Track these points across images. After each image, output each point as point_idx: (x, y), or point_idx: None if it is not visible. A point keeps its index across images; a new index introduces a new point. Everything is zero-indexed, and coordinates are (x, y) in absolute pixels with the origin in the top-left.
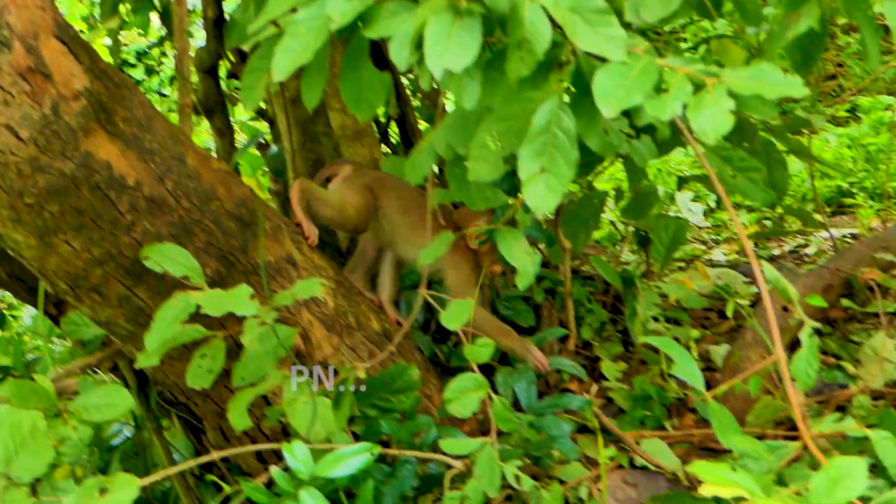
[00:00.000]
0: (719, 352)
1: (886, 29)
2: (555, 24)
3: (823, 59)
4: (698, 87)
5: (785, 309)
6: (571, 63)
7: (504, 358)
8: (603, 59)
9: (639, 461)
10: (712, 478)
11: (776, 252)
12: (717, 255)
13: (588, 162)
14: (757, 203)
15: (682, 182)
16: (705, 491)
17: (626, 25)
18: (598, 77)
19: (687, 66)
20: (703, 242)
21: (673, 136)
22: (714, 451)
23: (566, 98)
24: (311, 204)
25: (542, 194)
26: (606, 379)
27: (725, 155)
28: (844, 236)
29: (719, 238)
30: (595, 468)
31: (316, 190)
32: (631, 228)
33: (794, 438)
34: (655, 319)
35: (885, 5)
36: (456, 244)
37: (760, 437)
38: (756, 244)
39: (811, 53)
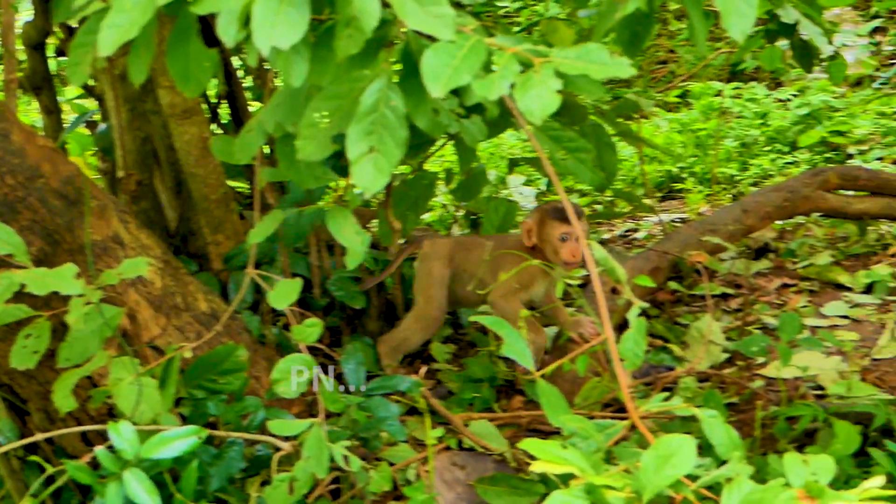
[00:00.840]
0: (549, 333)
1: (716, 15)
2: (384, 2)
3: (655, 44)
4: (527, 66)
5: (614, 290)
6: (401, 42)
7: (336, 339)
8: (432, 38)
9: (467, 443)
10: (542, 455)
11: (606, 236)
12: None
13: (419, 143)
14: (586, 185)
15: (513, 165)
16: (536, 468)
17: (458, 5)
18: (427, 56)
19: (516, 46)
20: None
21: (504, 117)
22: (542, 433)
23: (395, 77)
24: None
25: (370, 174)
26: (435, 361)
27: (555, 135)
28: (674, 220)
29: None
30: (423, 450)
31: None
32: (462, 211)
33: (622, 419)
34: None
35: None
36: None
37: (591, 418)
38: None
39: (639, 34)
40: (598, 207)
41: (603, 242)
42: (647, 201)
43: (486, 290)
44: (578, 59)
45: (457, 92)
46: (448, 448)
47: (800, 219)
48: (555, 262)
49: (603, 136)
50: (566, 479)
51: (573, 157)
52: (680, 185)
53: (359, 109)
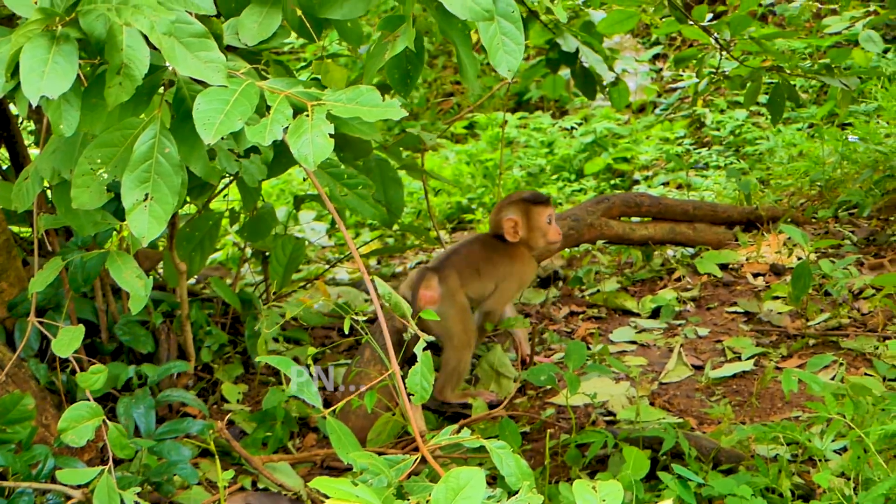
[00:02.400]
0: (340, 371)
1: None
2: (154, 48)
3: (441, 76)
4: (300, 110)
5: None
6: (172, 88)
7: (127, 384)
8: (205, 84)
9: (262, 483)
10: (334, 493)
11: (399, 269)
12: (341, 273)
13: (201, 184)
14: (368, 219)
15: (299, 201)
16: None
17: (231, 49)
18: (198, 102)
19: (288, 89)
20: (328, 261)
21: (286, 155)
22: (337, 470)
23: (168, 124)
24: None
25: (146, 222)
26: (228, 401)
27: (335, 173)
28: None
29: (342, 257)
30: (217, 492)
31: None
32: (251, 249)
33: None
34: (276, 340)
35: (479, 27)
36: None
37: (381, 454)
38: (378, 261)
39: (410, 73)
40: (390, 241)
41: (395, 276)
42: (436, 234)
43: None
44: (350, 102)
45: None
46: (242, 489)
47: (586, 246)
48: (540, 247)
49: (388, 170)
50: None
51: (353, 194)
52: (470, 216)
53: (133, 157)
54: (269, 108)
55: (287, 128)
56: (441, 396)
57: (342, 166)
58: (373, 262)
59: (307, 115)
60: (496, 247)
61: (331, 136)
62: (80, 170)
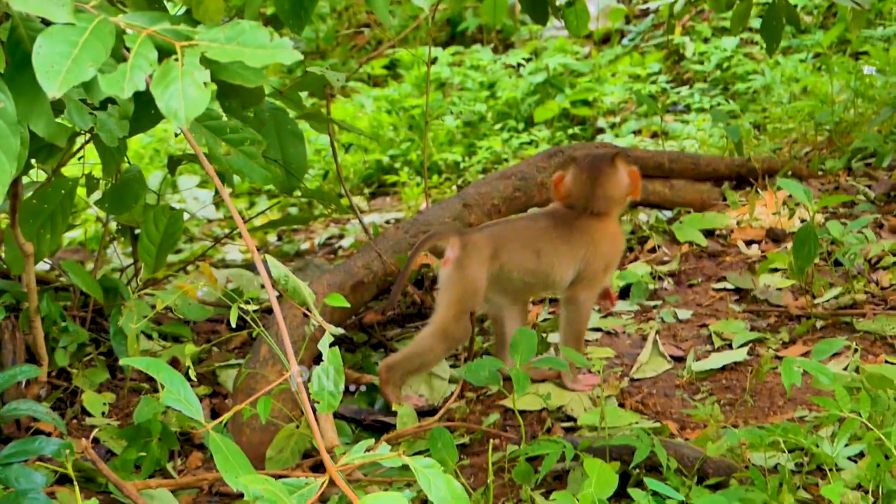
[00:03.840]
0: (230, 373)
1: None
2: None
3: (353, 4)
4: (168, 52)
5: (306, 315)
6: (6, 25)
7: None
8: (46, 22)
9: None
10: None
11: (305, 245)
12: (233, 253)
13: (51, 143)
14: (258, 182)
15: (175, 164)
16: None
17: None
18: (38, 45)
19: (152, 25)
20: (215, 238)
21: (154, 107)
22: (229, 497)
23: (2, 71)
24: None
25: None
26: (90, 414)
27: (214, 126)
28: (387, 222)
29: (234, 232)
30: None
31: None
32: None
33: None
34: (150, 337)
35: None
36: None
37: (281, 476)
38: (279, 237)
39: (304, 4)
40: (293, 211)
41: (300, 255)
42: (349, 201)
43: (565, 284)
44: (230, 42)
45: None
46: None
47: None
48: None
49: (286, 122)
50: None
51: (239, 152)
52: (393, 178)
53: None
54: (128, 50)
55: (151, 75)
56: (383, 383)
57: (224, 117)
58: (272, 237)
59: (176, 60)
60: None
61: (206, 85)
62: None
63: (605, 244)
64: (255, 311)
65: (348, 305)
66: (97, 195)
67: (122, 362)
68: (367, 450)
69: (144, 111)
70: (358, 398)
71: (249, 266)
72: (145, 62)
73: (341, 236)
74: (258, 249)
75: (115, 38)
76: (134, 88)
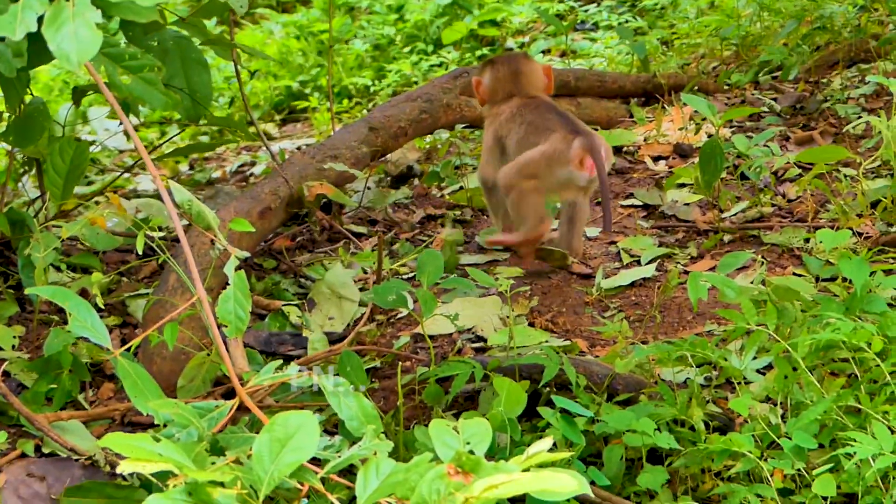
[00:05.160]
0: (139, 303)
1: None
2: None
3: None
4: None
5: (213, 242)
6: None
7: None
8: None
9: (49, 446)
10: (132, 452)
11: (216, 174)
12: (146, 183)
13: None
14: (160, 109)
15: (80, 94)
16: (125, 468)
17: None
18: None
19: None
20: (126, 169)
21: None
22: (142, 426)
23: None
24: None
25: None
26: (0, 348)
27: (113, 53)
28: (299, 148)
29: (142, 160)
30: None
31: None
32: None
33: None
34: (59, 269)
35: None
36: None
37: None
38: (191, 166)
39: None
40: (204, 139)
41: (212, 182)
42: (255, 129)
43: None
44: None
45: None
46: (23, 455)
47: (444, 133)
48: None
49: (189, 49)
50: (165, 478)
51: (138, 79)
52: (304, 104)
53: None
54: None
55: (42, 16)
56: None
57: (123, 44)
58: (184, 165)
59: (67, 0)
60: None
61: (98, 25)
62: None
63: None
64: (163, 240)
65: (252, 230)
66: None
67: (27, 291)
68: (276, 371)
69: (42, 45)
70: (269, 323)
71: (160, 196)
72: (36, 2)
73: (253, 164)
74: (170, 179)
75: None
76: (26, 30)
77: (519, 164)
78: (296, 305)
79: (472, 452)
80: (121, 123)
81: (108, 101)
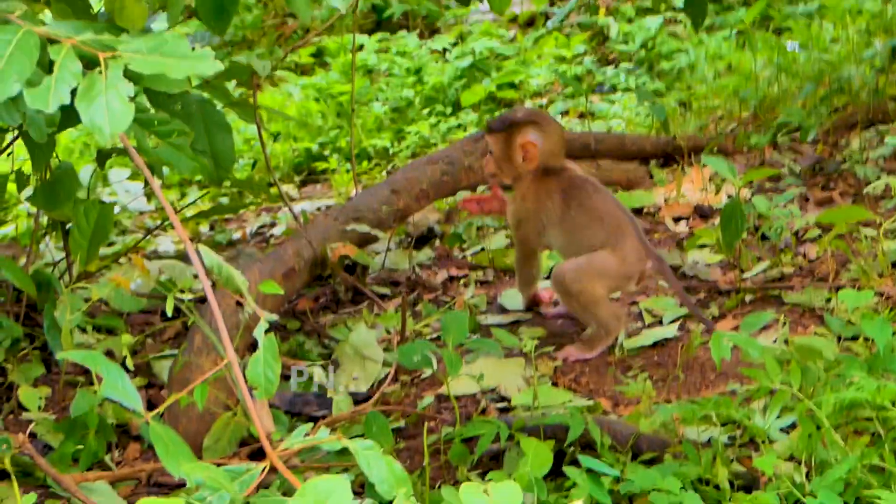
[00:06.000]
0: (164, 364)
1: None
2: None
3: None
4: (92, 63)
5: (239, 304)
6: None
7: None
8: None
9: None
10: None
11: (236, 235)
12: (165, 244)
13: None
14: (187, 174)
15: (105, 157)
16: None
17: None
18: None
19: (76, 34)
20: (147, 230)
21: None
22: (168, 487)
23: None
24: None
25: None
26: (26, 409)
27: (142, 119)
28: (318, 209)
29: (165, 224)
30: None
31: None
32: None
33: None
34: (84, 330)
35: None
36: None
37: (221, 465)
38: (212, 227)
39: (225, 6)
40: (224, 201)
41: (233, 244)
42: (278, 190)
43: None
44: (152, 53)
45: None
46: None
47: (465, 195)
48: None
49: (212, 113)
50: None
51: (167, 144)
52: (323, 165)
53: None
54: (52, 63)
55: (75, 91)
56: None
57: (151, 110)
58: (204, 227)
59: (100, 72)
60: None
61: (131, 99)
62: None
63: None
64: (188, 301)
65: (282, 292)
66: (28, 191)
67: (59, 356)
68: (306, 435)
69: (72, 107)
70: (297, 385)
71: (182, 257)
72: (70, 75)
73: (273, 225)
74: (190, 240)
75: (40, 50)
76: (59, 102)
77: (592, 266)
78: (320, 366)
79: None
80: (146, 185)
81: (134, 165)
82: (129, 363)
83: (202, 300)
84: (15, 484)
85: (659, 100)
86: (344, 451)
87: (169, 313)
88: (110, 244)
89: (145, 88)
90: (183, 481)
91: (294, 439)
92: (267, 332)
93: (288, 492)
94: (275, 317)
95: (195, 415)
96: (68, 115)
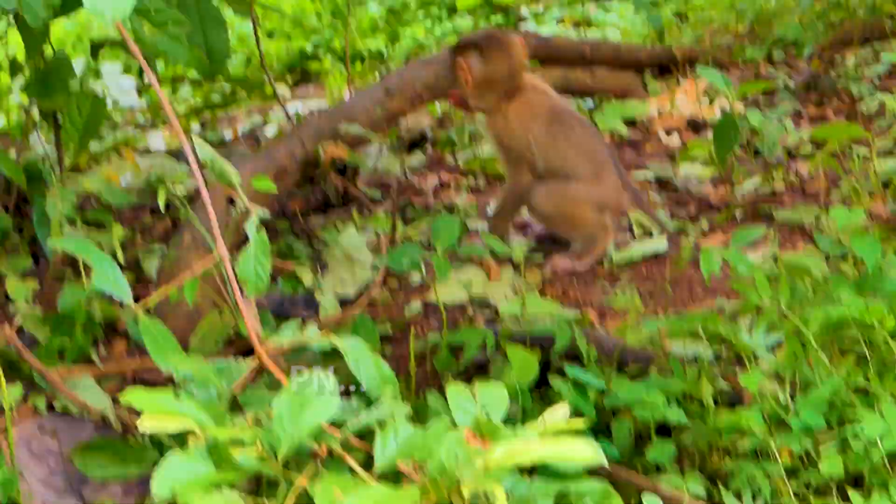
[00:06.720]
0: (153, 260)
1: None
2: None
3: None
4: None
5: (231, 201)
6: None
7: None
8: None
9: (60, 402)
10: (151, 408)
11: (228, 134)
12: (156, 141)
13: None
14: (183, 65)
15: (97, 48)
16: (144, 425)
17: None
18: None
19: None
20: (139, 126)
21: None
22: (153, 384)
23: None
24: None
25: None
26: (13, 301)
27: (138, 7)
28: (311, 111)
29: (157, 120)
30: (1, 415)
31: None
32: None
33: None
34: (73, 223)
35: None
36: None
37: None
38: (203, 125)
39: None
40: (216, 99)
41: (224, 144)
42: (272, 88)
43: None
44: None
45: None
46: (34, 411)
47: None
48: None
49: (207, 7)
50: (181, 438)
51: (164, 34)
52: (316, 66)
53: None
54: None
55: None
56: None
57: None
58: (195, 124)
59: None
60: None
61: None
62: None
63: None
64: (181, 196)
65: (275, 189)
66: (20, 81)
67: (50, 243)
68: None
69: None
70: (282, 285)
71: (172, 154)
72: None
73: (264, 125)
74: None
75: None
76: None
77: (567, 194)
78: (308, 268)
79: (488, 417)
80: (140, 77)
81: (127, 58)
82: (120, 257)
83: (190, 198)
84: (0, 376)
85: (655, 9)
86: (329, 355)
87: (161, 208)
88: (100, 139)
89: None
90: (169, 378)
91: (284, 336)
92: (258, 229)
93: (274, 389)
94: (266, 213)
95: (182, 313)
96: (63, 2)
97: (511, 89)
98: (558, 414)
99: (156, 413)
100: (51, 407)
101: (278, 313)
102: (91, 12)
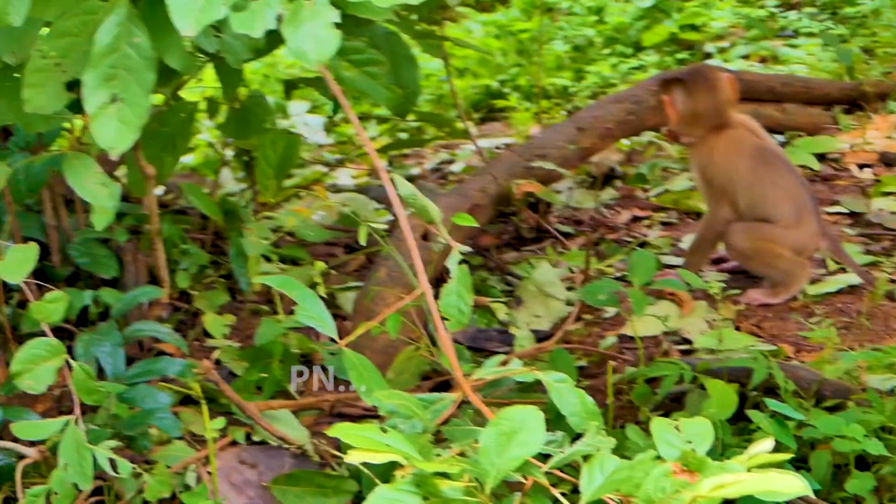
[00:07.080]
0: (348, 295)
1: None
2: None
3: None
4: None
5: (425, 238)
6: None
7: (82, 317)
8: None
9: (259, 434)
10: (357, 442)
11: (415, 170)
12: (343, 178)
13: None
14: (382, 104)
15: (291, 87)
16: (351, 458)
17: None
18: None
19: None
20: (326, 164)
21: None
22: (351, 417)
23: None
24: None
25: (114, 129)
26: (211, 336)
27: (340, 48)
28: (498, 147)
29: (345, 157)
30: (203, 447)
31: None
32: (232, 150)
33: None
34: (267, 259)
35: None
36: None
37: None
38: (390, 162)
39: None
40: (403, 136)
41: (411, 179)
42: (462, 125)
43: None
44: None
45: None
46: (234, 443)
47: (649, 136)
48: None
49: (399, 45)
50: (385, 470)
51: (362, 73)
52: (502, 103)
53: (95, 50)
54: None
55: (280, 16)
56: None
57: (347, 39)
58: (382, 161)
59: None
60: None
61: (337, 25)
62: (34, 65)
63: None
64: (381, 231)
65: (476, 224)
66: (207, 121)
67: (255, 280)
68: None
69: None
70: (477, 319)
71: (362, 190)
72: (276, 1)
73: (451, 161)
74: (373, 174)
75: None
76: (265, 27)
77: (765, 235)
78: (503, 302)
79: (694, 451)
80: (330, 117)
81: (315, 97)
82: (322, 291)
83: (388, 230)
84: (205, 408)
85: (843, 45)
86: (526, 388)
87: (362, 242)
88: (290, 176)
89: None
90: (367, 411)
91: (487, 370)
92: (460, 263)
93: (479, 424)
94: (467, 248)
95: (378, 347)
96: (266, 40)
97: (718, 124)
98: (764, 446)
99: (361, 446)
100: (249, 439)
101: (471, 347)
102: (293, 56)
